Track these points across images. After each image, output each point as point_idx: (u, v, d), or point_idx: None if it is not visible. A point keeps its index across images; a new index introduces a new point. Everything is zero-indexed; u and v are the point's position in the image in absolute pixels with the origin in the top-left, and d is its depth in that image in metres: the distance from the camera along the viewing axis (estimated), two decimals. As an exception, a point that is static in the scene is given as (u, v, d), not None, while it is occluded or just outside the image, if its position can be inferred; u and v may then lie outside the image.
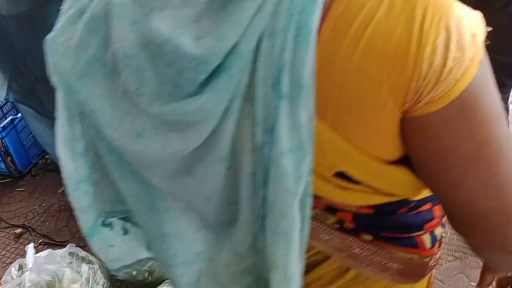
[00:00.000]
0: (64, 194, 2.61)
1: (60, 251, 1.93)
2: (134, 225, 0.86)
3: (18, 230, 2.43)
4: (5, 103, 3.04)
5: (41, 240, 2.35)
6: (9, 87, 1.91)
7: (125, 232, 0.91)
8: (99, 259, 1.98)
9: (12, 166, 2.70)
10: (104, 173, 0.75)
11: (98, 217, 0.83)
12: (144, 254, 0.90)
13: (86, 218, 0.82)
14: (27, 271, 1.80)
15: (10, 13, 1.76)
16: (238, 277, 0.75)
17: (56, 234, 2.37)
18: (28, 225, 2.45)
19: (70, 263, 1.86)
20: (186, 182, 0.67)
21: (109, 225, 0.88)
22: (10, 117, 2.67)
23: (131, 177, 0.72)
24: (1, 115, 2.99)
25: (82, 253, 1.96)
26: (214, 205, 0.68)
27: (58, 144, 0.75)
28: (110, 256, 0.90)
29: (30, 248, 1.88)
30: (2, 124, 2.62)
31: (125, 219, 0.86)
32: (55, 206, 2.55)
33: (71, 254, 1.93)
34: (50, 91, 0.71)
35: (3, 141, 2.62)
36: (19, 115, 2.71)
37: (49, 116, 1.91)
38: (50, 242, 2.33)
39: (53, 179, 2.72)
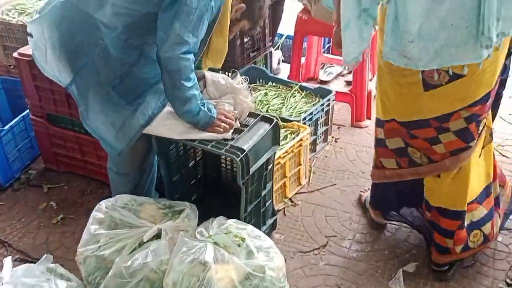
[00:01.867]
0: (45, 210, 2.56)
1: (39, 267, 1.87)
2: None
3: (-6, 245, 2.36)
4: (-8, 116, 3.00)
5: (17, 256, 2.28)
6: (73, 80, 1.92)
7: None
8: (78, 277, 1.92)
9: (-6, 179, 2.65)
10: None
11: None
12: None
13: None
14: (2, 284, 1.74)
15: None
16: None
17: (33, 251, 2.30)
18: (5, 240, 2.38)
19: (48, 279, 1.81)
20: None
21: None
22: (-4, 129, 2.63)
23: None
24: (-13, 127, 2.95)
25: (61, 269, 1.91)
26: None
27: None
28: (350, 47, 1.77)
29: (7, 261, 1.82)
30: (-13, 136, 2.58)
31: None
32: (35, 222, 2.49)
33: (49, 270, 1.87)
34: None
35: (-14, 152, 2.57)
36: (6, 127, 2.67)
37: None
38: (26, 258, 2.26)
39: (35, 194, 2.66)
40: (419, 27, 1.61)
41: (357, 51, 1.78)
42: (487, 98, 1.77)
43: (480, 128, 1.84)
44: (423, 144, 1.90)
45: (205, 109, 1.92)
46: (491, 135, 2.01)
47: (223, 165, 2.46)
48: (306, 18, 3.11)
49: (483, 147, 1.98)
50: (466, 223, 2.03)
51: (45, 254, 1.95)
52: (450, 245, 2.04)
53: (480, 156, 1.98)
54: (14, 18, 3.19)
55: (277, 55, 3.73)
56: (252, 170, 1.97)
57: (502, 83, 2.11)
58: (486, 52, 1.63)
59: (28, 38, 2.00)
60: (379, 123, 2.02)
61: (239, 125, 2.04)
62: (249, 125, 2.04)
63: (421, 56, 1.66)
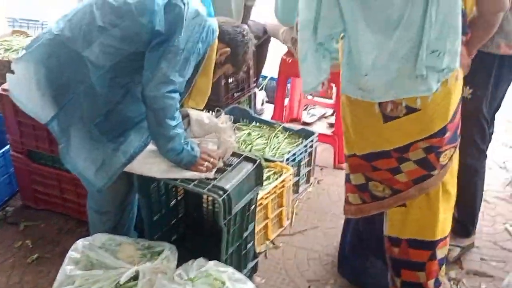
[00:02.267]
0: (20, 249, 2.48)
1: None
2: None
3: (-35, 284, 2.28)
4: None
5: (-11, 296, 2.21)
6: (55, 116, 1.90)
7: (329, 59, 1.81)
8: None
9: (-31, 215, 2.58)
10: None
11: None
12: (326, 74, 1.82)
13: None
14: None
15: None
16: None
17: (6, 291, 2.23)
18: (-23, 279, 2.31)
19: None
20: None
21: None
22: (-25, 165, 2.58)
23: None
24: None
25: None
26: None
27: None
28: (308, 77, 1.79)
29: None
30: (-35, 171, 2.53)
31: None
32: (10, 261, 2.41)
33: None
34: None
35: (-37, 188, 2.51)
36: (-15, 163, 2.63)
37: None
38: (-2, 299, 2.19)
39: (11, 232, 2.59)
40: (372, 60, 1.68)
41: (315, 82, 1.81)
42: (444, 131, 1.81)
43: (442, 159, 1.86)
44: (385, 174, 1.92)
45: (189, 147, 1.92)
46: None
47: (204, 205, 2.44)
48: (290, 60, 3.17)
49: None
50: (438, 257, 2.02)
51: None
52: (422, 280, 2.02)
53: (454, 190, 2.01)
54: (0, 54, 3.20)
55: (261, 95, 3.77)
56: (234, 210, 1.95)
57: (491, 122, 2.25)
58: (435, 86, 1.69)
59: (8, 75, 1.97)
60: (345, 158, 2.06)
61: (222, 164, 2.03)
62: (232, 165, 2.03)
63: (376, 88, 1.72)
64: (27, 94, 1.93)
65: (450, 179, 1.95)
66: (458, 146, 1.94)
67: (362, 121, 1.88)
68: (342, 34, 1.75)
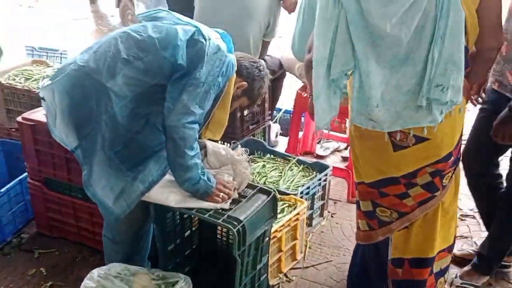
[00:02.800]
0: (34, 276, 2.49)
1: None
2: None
3: (-22, 311, 2.28)
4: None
5: (1, 324, 2.20)
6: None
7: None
8: None
9: (-16, 241, 2.60)
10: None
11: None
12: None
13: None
14: None
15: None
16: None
17: (18, 319, 2.23)
18: (-10, 306, 2.31)
19: None
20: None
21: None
22: (-9, 191, 2.61)
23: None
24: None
25: None
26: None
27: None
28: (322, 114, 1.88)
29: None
30: (-18, 197, 2.56)
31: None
32: (23, 289, 2.42)
33: None
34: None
35: (-20, 214, 2.54)
36: (2, 190, 2.66)
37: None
38: (10, 327, 2.18)
39: (25, 259, 2.60)
40: (381, 93, 1.79)
41: (328, 118, 1.90)
42: (449, 157, 1.93)
43: (444, 180, 1.99)
44: (393, 200, 2.01)
45: (205, 178, 1.94)
46: None
47: (218, 236, 2.44)
48: (306, 95, 3.21)
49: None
50: (435, 271, 2.10)
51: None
52: None
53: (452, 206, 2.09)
54: (20, 83, 3.28)
55: (275, 128, 3.80)
56: (248, 241, 1.95)
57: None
58: (440, 117, 1.80)
59: (42, 101, 2.05)
60: (355, 186, 2.15)
61: (237, 195, 2.04)
62: (247, 196, 2.04)
63: (386, 118, 1.82)
64: (53, 122, 1.99)
65: (448, 197, 2.03)
66: (457, 167, 2.06)
67: (372, 150, 1.97)
68: (351, 71, 1.84)
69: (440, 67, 1.71)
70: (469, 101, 2.09)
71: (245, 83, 2.15)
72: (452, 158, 1.95)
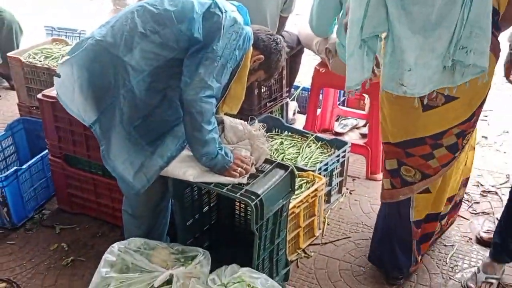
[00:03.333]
0: (55, 251, 2.54)
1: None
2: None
3: (2, 285, 2.32)
4: (11, 154, 3.04)
5: (25, 297, 2.25)
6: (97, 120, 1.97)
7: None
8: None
9: (7, 217, 2.64)
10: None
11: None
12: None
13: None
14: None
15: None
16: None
17: (41, 292, 2.27)
18: (14, 280, 2.35)
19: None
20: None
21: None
22: (14, 168, 2.65)
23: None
24: (5, 165, 2.99)
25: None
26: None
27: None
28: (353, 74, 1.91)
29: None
30: (5, 174, 2.59)
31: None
32: (45, 263, 2.46)
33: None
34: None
35: (3, 191, 2.58)
36: (24, 166, 2.70)
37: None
38: (33, 300, 2.23)
39: (47, 235, 2.65)
40: (414, 58, 1.85)
41: (358, 79, 1.93)
42: (473, 116, 2.06)
43: (465, 141, 2.14)
44: (419, 161, 2.12)
45: (223, 153, 1.93)
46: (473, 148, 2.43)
47: (237, 211, 2.45)
48: (324, 71, 3.17)
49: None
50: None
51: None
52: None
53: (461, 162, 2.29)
54: (40, 61, 3.30)
55: (292, 106, 3.78)
56: (266, 215, 1.95)
57: None
58: (461, 80, 1.89)
59: (55, 78, 2.06)
60: (382, 145, 2.36)
61: (255, 170, 2.04)
62: (265, 171, 2.04)
63: (417, 82, 1.88)
64: (71, 97, 2.00)
65: (462, 155, 2.22)
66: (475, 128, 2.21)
67: (401, 113, 2.07)
68: (385, 35, 1.88)
69: (466, 30, 1.77)
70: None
71: (262, 56, 2.12)
72: (475, 118, 2.08)
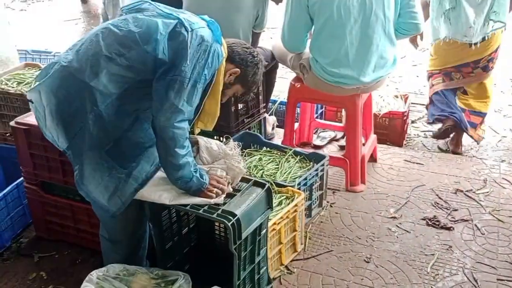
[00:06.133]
0: (34, 281, 2.49)
1: None
2: None
3: (-20, 318, 2.28)
4: (-14, 183, 2.99)
5: (4, 330, 2.20)
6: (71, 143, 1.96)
7: None
8: None
9: (-17, 248, 2.60)
10: None
11: None
12: None
13: None
14: None
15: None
16: None
17: (20, 324, 2.23)
18: (-8, 312, 2.31)
19: None
20: None
21: None
22: (-10, 197, 2.61)
23: None
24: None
25: None
26: None
27: None
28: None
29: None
30: (-20, 204, 2.55)
31: None
32: (24, 293, 2.42)
33: None
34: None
35: (-22, 221, 2.54)
36: (-1, 195, 2.66)
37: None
38: (12, 332, 2.18)
39: (25, 264, 2.60)
40: (472, 20, 3.36)
41: (441, 34, 3.51)
42: (498, 49, 3.55)
43: (492, 64, 3.58)
44: (463, 75, 3.63)
45: (198, 175, 1.93)
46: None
47: (216, 231, 2.44)
48: (299, 86, 3.19)
49: None
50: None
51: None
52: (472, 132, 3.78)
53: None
54: (12, 87, 3.27)
55: (271, 120, 3.79)
56: (244, 235, 1.95)
57: None
58: (490, 31, 3.42)
59: (30, 104, 2.04)
60: (430, 76, 3.80)
61: (231, 190, 2.03)
62: (241, 190, 2.04)
63: (475, 33, 3.38)
64: (44, 123, 1.98)
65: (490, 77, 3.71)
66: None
67: (456, 50, 3.52)
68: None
69: (496, 3, 3.34)
70: None
71: (238, 70, 2.10)
72: (498, 50, 3.55)
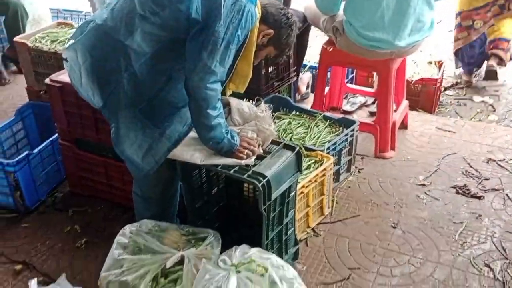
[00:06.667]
0: (69, 234, 2.58)
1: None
2: None
3: (18, 267, 2.38)
4: (21, 139, 3.08)
5: (41, 278, 2.29)
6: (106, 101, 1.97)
7: None
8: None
9: (20, 201, 2.69)
10: None
11: None
12: None
13: None
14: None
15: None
16: None
17: (56, 274, 2.31)
18: (29, 262, 2.41)
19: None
20: None
21: None
22: (25, 152, 2.68)
23: None
24: (16, 150, 3.03)
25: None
26: None
27: None
28: None
29: (33, 283, 1.84)
30: (17, 159, 2.63)
31: None
32: (59, 245, 2.51)
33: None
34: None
35: (15, 175, 2.62)
36: (35, 151, 2.73)
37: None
38: (49, 281, 2.27)
39: (60, 218, 2.70)
40: None
41: None
42: None
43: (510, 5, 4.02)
44: (482, 16, 4.06)
45: (229, 136, 1.94)
46: None
47: (245, 193, 2.47)
48: (331, 49, 3.14)
49: None
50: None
51: (63, 274, 2.01)
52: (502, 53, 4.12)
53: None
54: (46, 45, 3.31)
55: (306, 78, 3.75)
56: (273, 196, 1.97)
57: None
58: None
59: (64, 62, 2.06)
60: (458, 14, 4.19)
61: (262, 152, 2.05)
62: (271, 152, 2.05)
63: None
64: (80, 81, 2.00)
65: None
66: None
67: None
68: None
69: None
70: None
71: (271, 31, 2.07)
72: None
